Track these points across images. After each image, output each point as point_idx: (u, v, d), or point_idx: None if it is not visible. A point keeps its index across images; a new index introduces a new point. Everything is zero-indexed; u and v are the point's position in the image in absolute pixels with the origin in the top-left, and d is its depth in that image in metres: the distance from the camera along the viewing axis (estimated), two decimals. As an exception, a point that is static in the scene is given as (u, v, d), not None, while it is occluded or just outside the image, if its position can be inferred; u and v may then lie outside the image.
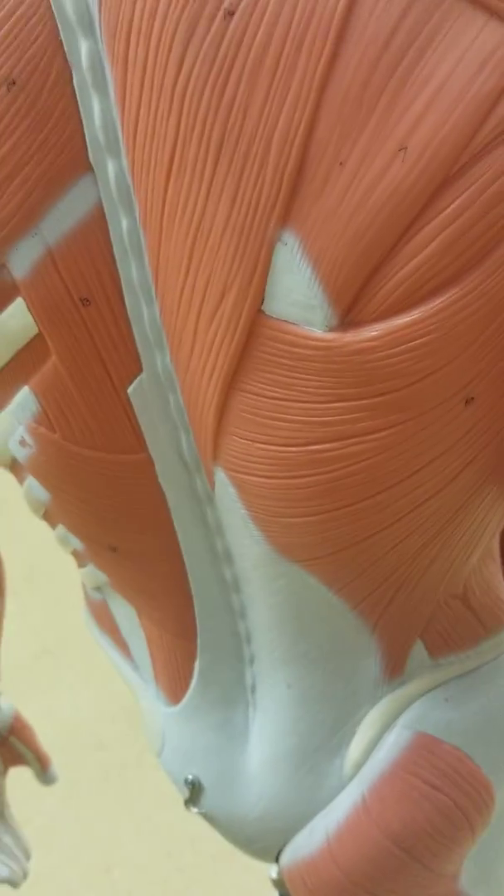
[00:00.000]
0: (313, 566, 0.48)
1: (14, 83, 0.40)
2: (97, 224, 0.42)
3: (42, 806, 1.67)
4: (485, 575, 0.55)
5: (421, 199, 0.36)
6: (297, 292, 0.39)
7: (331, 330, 0.39)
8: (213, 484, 0.48)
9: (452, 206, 0.36)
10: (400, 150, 0.36)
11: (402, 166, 0.36)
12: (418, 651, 0.54)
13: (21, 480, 0.53)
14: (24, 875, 0.77)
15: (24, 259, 0.43)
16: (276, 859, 0.60)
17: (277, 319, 0.40)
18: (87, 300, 0.44)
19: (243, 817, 0.60)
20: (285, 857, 0.58)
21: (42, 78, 0.40)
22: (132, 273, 0.43)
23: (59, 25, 0.40)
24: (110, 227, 0.43)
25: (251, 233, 0.39)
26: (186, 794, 0.62)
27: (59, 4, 0.39)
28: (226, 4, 0.36)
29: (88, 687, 1.94)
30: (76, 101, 0.41)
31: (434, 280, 0.38)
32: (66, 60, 0.40)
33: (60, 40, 0.40)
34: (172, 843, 1.67)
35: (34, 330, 0.45)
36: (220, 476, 0.47)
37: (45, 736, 0.84)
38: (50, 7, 0.40)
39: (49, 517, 0.55)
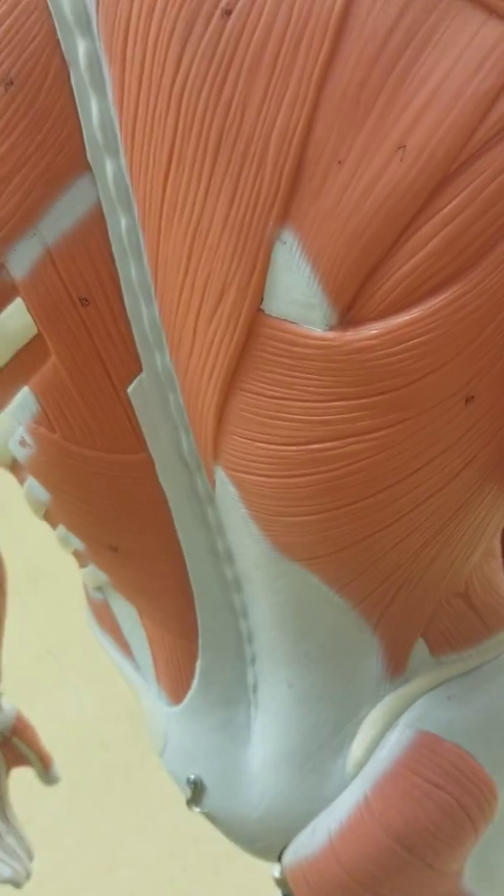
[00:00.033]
0: (314, 565, 0.48)
1: (12, 83, 0.40)
2: (96, 224, 0.42)
3: (45, 806, 1.67)
4: (486, 573, 0.55)
5: (420, 198, 0.36)
6: (296, 291, 0.39)
7: (330, 329, 0.39)
8: (213, 483, 0.48)
9: (451, 205, 0.36)
10: (398, 148, 0.36)
11: (401, 165, 0.36)
12: (420, 649, 0.54)
13: (21, 481, 0.53)
14: (28, 875, 0.77)
15: (22, 259, 0.43)
16: (279, 858, 0.60)
17: (277, 318, 0.40)
18: (87, 300, 0.44)
19: (245, 817, 0.60)
20: (288, 857, 0.58)
21: (40, 77, 0.40)
22: (131, 272, 0.43)
23: (57, 25, 0.40)
24: (109, 227, 0.42)
25: (250, 232, 0.38)
26: (189, 793, 0.62)
27: (56, 4, 0.39)
28: (223, 3, 0.36)
29: (91, 687, 1.94)
30: (74, 101, 0.41)
31: (433, 278, 0.38)
32: (63, 60, 0.40)
33: (58, 39, 0.40)
34: (176, 843, 1.67)
35: (33, 330, 0.45)
36: (221, 475, 0.47)
37: (48, 736, 0.84)
38: (47, 6, 0.40)
39: (50, 517, 0.55)
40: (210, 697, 0.59)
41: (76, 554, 0.58)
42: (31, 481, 0.52)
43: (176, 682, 0.60)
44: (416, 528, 0.47)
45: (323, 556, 0.47)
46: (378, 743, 0.54)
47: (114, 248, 0.43)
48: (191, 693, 0.59)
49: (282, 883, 0.60)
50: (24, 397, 0.47)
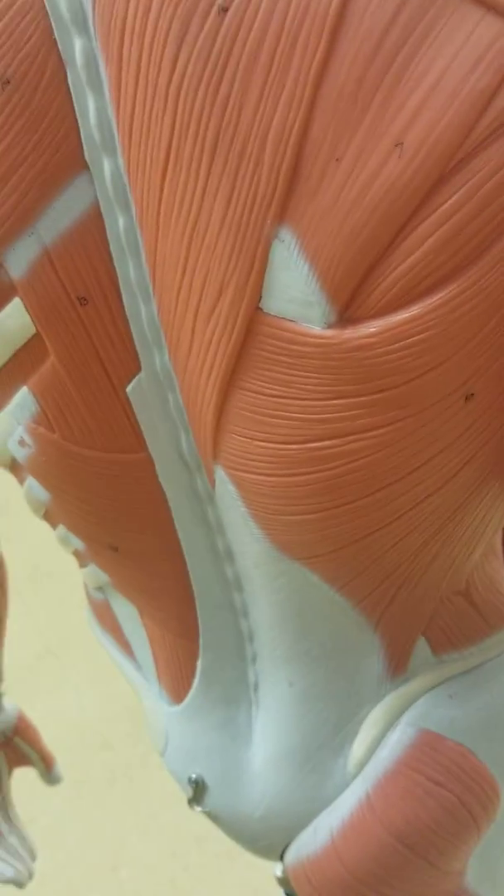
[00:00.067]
0: (314, 564, 0.48)
1: (8, 82, 0.40)
2: (94, 223, 0.42)
3: (48, 806, 1.67)
4: (487, 571, 0.55)
5: (417, 196, 0.36)
6: (294, 289, 0.39)
7: (329, 327, 0.39)
8: (213, 482, 0.48)
9: (449, 203, 0.36)
10: (395, 146, 0.36)
11: (398, 163, 0.36)
12: (421, 648, 0.54)
13: (21, 481, 0.53)
14: (30, 875, 0.77)
15: (20, 259, 0.43)
16: (281, 857, 0.60)
17: (275, 317, 0.40)
18: (85, 299, 0.44)
19: (247, 816, 0.60)
20: (290, 856, 0.58)
21: (36, 77, 0.40)
22: (129, 272, 0.43)
23: (53, 24, 0.39)
24: (107, 226, 0.42)
25: (248, 230, 0.38)
26: (190, 792, 0.62)
27: (52, 3, 0.39)
28: (220, 1, 0.36)
29: (93, 687, 1.94)
30: (71, 100, 0.40)
31: (432, 276, 0.38)
32: (60, 59, 0.40)
33: (54, 39, 0.40)
34: (178, 842, 1.67)
35: (32, 330, 0.45)
36: (220, 474, 0.47)
37: (51, 736, 0.84)
38: (43, 5, 0.39)
39: (50, 517, 0.55)
40: (211, 696, 0.59)
41: (76, 554, 0.58)
42: (30, 481, 0.52)
43: (177, 682, 0.60)
44: (415, 527, 0.46)
45: (323, 555, 0.47)
46: (379, 742, 0.54)
47: (112, 248, 0.43)
48: (192, 692, 0.59)
49: (284, 882, 0.60)
50: (23, 397, 0.47)
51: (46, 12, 0.39)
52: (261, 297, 0.40)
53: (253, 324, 0.41)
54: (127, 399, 0.47)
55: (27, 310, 0.44)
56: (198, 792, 0.61)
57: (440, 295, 0.38)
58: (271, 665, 0.55)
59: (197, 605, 0.55)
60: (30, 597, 2.15)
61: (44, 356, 0.46)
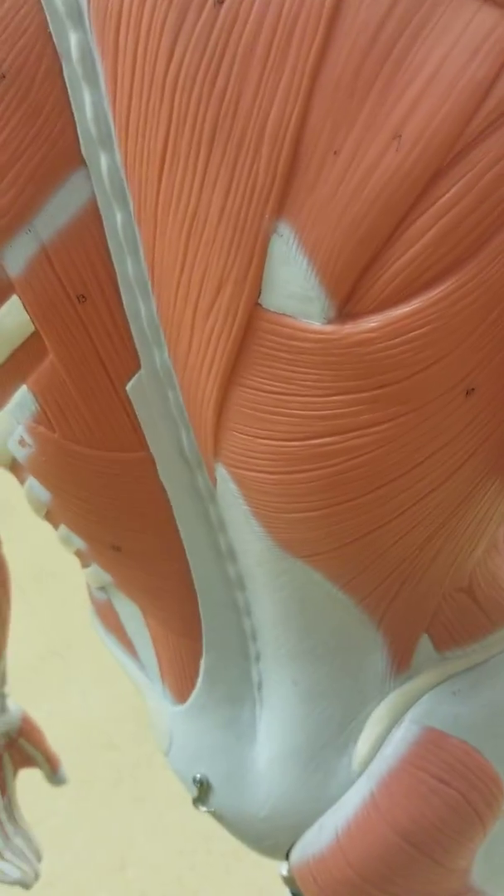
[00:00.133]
0: (317, 562, 0.48)
1: (3, 77, 0.40)
2: (91, 219, 0.42)
3: (55, 806, 1.67)
4: (490, 568, 0.55)
5: (416, 188, 0.36)
6: (293, 284, 0.39)
7: (329, 322, 0.39)
8: (214, 480, 0.48)
9: (448, 195, 0.36)
10: (394, 138, 0.35)
11: (397, 155, 0.36)
12: (425, 645, 0.54)
13: (22, 481, 0.53)
14: (36, 876, 0.77)
15: (18, 256, 0.42)
16: (287, 857, 0.60)
17: (275, 312, 0.40)
18: (83, 297, 0.44)
19: (252, 815, 0.59)
20: (295, 855, 0.58)
21: (32, 71, 0.40)
22: (128, 268, 0.43)
23: (48, 17, 0.39)
24: (105, 222, 0.42)
25: (246, 224, 0.38)
26: (195, 792, 0.62)
27: None
28: None
29: (98, 687, 1.95)
30: (67, 94, 0.40)
31: (431, 269, 0.37)
32: (55, 53, 0.40)
33: (50, 32, 0.39)
34: (185, 842, 1.67)
35: (30, 328, 0.44)
36: (222, 472, 0.47)
37: (56, 737, 0.84)
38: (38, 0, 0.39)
39: (51, 517, 0.55)
40: (215, 696, 0.59)
41: (78, 554, 0.58)
42: (31, 481, 0.52)
43: (180, 681, 0.60)
44: (418, 523, 0.46)
45: (325, 553, 0.47)
46: (383, 740, 0.54)
47: (110, 244, 0.43)
48: (195, 692, 0.59)
49: (290, 881, 0.60)
50: (22, 396, 0.47)
51: (41, 6, 0.39)
52: (260, 293, 0.40)
53: (252, 320, 0.40)
54: (127, 397, 0.47)
55: (25, 308, 0.44)
56: (203, 792, 0.61)
57: (440, 288, 0.37)
58: (275, 663, 0.55)
59: (199, 604, 0.55)
60: (34, 597, 2.15)
61: (43, 355, 0.45)
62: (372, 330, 0.38)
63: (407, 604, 0.51)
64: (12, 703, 0.79)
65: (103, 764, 1.84)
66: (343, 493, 0.44)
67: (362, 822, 0.54)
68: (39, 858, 0.79)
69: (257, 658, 0.56)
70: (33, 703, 0.84)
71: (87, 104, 0.40)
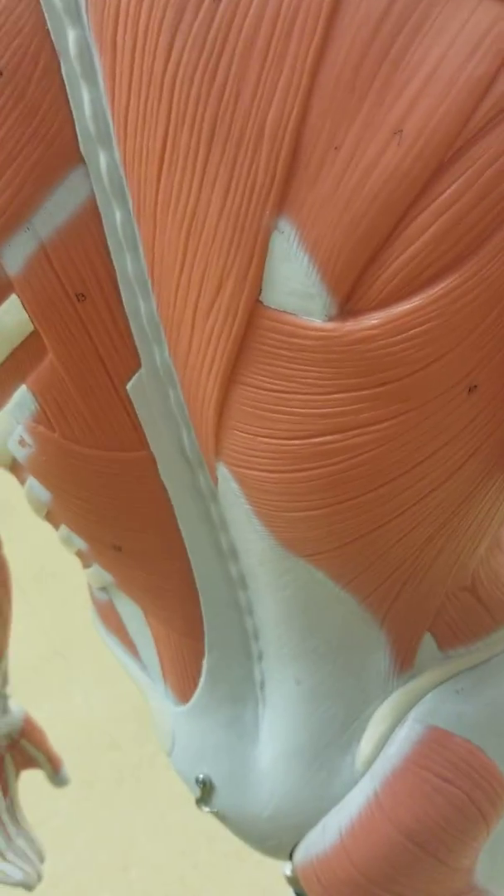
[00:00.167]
0: (319, 561, 0.48)
1: (1, 74, 0.39)
2: (90, 217, 0.42)
3: (57, 807, 1.67)
4: (493, 566, 0.55)
5: (417, 185, 0.36)
6: (294, 281, 0.38)
7: (330, 319, 0.39)
8: (215, 480, 0.48)
9: (449, 191, 0.36)
10: (394, 134, 0.35)
11: (398, 151, 0.35)
12: (428, 644, 0.54)
13: (22, 481, 0.53)
14: (38, 878, 0.77)
15: (16, 255, 0.42)
16: (290, 857, 0.59)
17: (276, 310, 0.40)
18: (83, 295, 0.43)
19: (255, 815, 0.59)
20: (299, 855, 0.58)
21: (30, 68, 0.40)
22: (127, 267, 0.43)
23: (46, 14, 0.39)
24: (104, 220, 0.42)
25: (246, 221, 0.38)
26: (198, 793, 0.62)
27: None
28: None
29: (100, 687, 1.95)
30: (65, 92, 0.40)
31: (433, 267, 0.37)
32: (53, 50, 0.39)
33: (47, 29, 0.39)
34: (187, 841, 1.67)
35: (29, 327, 0.44)
36: (223, 471, 0.46)
37: (58, 737, 0.84)
38: None
39: (51, 517, 0.55)
40: (217, 695, 0.58)
41: (79, 554, 0.58)
42: (31, 481, 0.52)
43: (182, 681, 0.60)
44: (420, 522, 0.46)
45: (328, 552, 0.47)
46: (387, 739, 0.54)
47: (109, 242, 0.42)
48: (198, 691, 0.59)
49: (293, 881, 0.60)
50: (22, 396, 0.47)
51: (39, 2, 0.39)
52: (261, 290, 0.39)
53: (253, 317, 0.40)
54: (127, 396, 0.46)
55: (24, 307, 0.44)
56: (206, 792, 0.61)
57: (442, 285, 0.37)
58: (278, 663, 0.55)
59: (201, 604, 0.55)
60: (35, 597, 2.15)
61: (42, 354, 0.45)
62: (373, 327, 0.38)
63: (409, 602, 0.51)
64: (14, 704, 0.79)
65: (105, 764, 1.84)
66: (344, 492, 0.44)
67: (366, 822, 0.54)
68: (42, 859, 0.79)
69: (260, 657, 0.56)
70: (35, 704, 0.84)
71: (86, 101, 0.40)
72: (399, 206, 0.36)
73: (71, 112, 0.40)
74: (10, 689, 0.79)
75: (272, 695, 0.57)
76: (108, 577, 0.58)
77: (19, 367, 0.46)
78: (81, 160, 0.41)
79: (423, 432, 0.42)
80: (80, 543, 0.55)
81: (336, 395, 0.41)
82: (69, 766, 0.83)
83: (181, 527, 0.52)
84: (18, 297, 0.43)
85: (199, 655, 0.58)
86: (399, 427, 0.41)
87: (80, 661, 1.99)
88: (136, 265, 0.43)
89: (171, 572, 0.54)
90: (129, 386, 0.46)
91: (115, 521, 0.51)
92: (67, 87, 0.40)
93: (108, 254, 0.43)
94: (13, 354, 0.46)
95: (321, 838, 0.56)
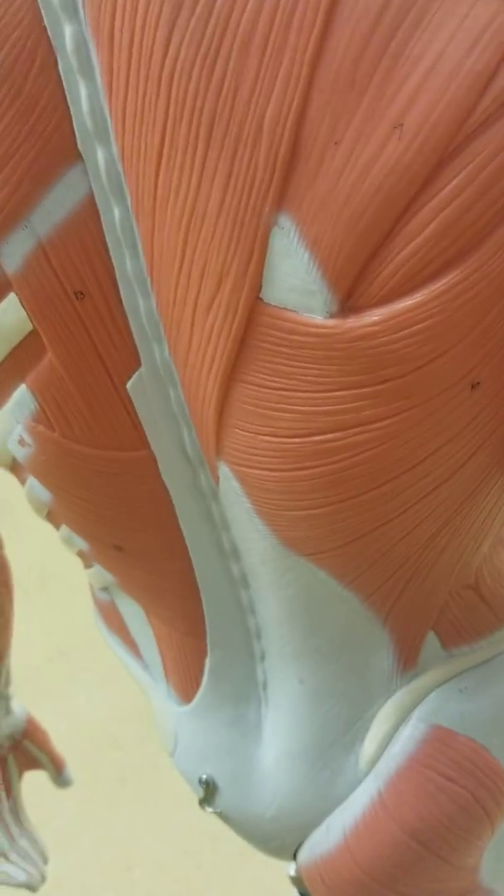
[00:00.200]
0: (322, 559, 0.48)
1: None
2: (89, 214, 0.42)
3: (61, 808, 1.67)
4: (496, 564, 0.55)
5: (418, 179, 0.35)
6: (295, 277, 0.38)
7: (331, 316, 0.39)
8: (216, 478, 0.47)
9: (450, 186, 0.35)
10: (395, 128, 0.35)
11: (398, 145, 0.35)
12: (431, 642, 0.54)
13: (22, 481, 0.53)
14: (42, 879, 0.77)
15: (15, 253, 0.42)
16: (294, 857, 0.59)
17: (276, 307, 0.39)
18: (82, 293, 0.43)
19: (259, 816, 0.59)
20: (303, 855, 0.58)
21: (26, 65, 0.39)
22: (126, 264, 0.43)
23: (42, 9, 0.39)
24: (102, 218, 0.42)
25: (246, 217, 0.38)
26: (201, 793, 0.61)
27: None
28: None
29: (103, 687, 1.94)
30: (62, 88, 0.39)
31: (434, 262, 0.37)
32: (50, 46, 0.39)
33: (44, 25, 0.39)
34: (191, 841, 1.67)
35: (28, 326, 0.44)
36: (224, 470, 0.46)
37: (61, 738, 0.84)
38: None
39: (52, 518, 0.55)
40: (220, 695, 0.58)
41: (81, 554, 0.58)
42: (31, 481, 0.52)
43: (185, 681, 0.60)
44: (423, 520, 0.46)
45: (330, 551, 0.47)
46: (391, 738, 0.54)
47: (108, 240, 0.42)
48: (200, 691, 0.59)
49: (297, 881, 0.60)
50: (21, 395, 0.47)
51: None
52: (261, 287, 0.39)
53: (253, 315, 0.40)
54: (127, 395, 0.46)
55: (23, 305, 0.43)
56: (209, 793, 0.61)
57: (443, 281, 0.37)
58: (280, 662, 0.55)
59: (203, 603, 0.55)
60: (38, 598, 2.15)
61: (41, 353, 0.45)
62: (375, 324, 0.38)
63: (413, 601, 0.51)
64: (17, 705, 0.79)
65: (108, 764, 1.84)
66: (346, 490, 0.43)
67: (370, 822, 0.54)
68: (45, 860, 0.79)
69: (262, 657, 0.56)
70: (37, 705, 0.83)
71: (83, 97, 0.39)
72: (400, 201, 0.36)
73: (68, 108, 0.40)
74: (12, 690, 0.79)
75: (275, 694, 0.56)
76: (109, 577, 0.58)
77: (18, 366, 0.46)
78: (79, 157, 0.41)
79: (426, 430, 0.41)
80: (81, 543, 0.55)
81: (337, 393, 0.40)
82: (72, 767, 0.83)
83: (182, 526, 0.51)
84: (17, 295, 0.43)
85: (201, 655, 0.58)
86: (401, 424, 0.41)
87: (83, 662, 1.99)
88: (134, 263, 0.43)
89: (173, 572, 0.54)
90: (129, 385, 0.46)
91: (116, 521, 0.51)
92: (64, 83, 0.39)
93: (107, 251, 0.42)
94: (12, 354, 0.45)
95: (325, 838, 0.56)
